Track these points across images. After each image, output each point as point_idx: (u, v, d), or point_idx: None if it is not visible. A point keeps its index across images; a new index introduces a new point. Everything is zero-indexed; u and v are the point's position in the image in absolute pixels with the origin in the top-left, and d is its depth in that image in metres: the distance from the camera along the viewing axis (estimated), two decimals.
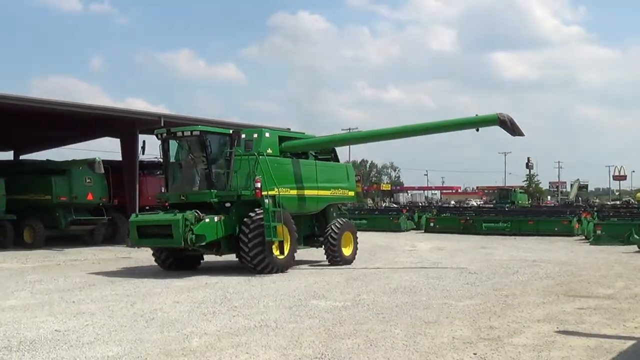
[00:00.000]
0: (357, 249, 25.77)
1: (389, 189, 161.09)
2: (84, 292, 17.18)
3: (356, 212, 60.56)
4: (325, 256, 24.55)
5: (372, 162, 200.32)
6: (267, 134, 23.23)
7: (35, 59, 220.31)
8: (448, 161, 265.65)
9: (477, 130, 22.83)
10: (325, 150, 26.66)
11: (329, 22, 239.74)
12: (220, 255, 22.58)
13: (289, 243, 22.01)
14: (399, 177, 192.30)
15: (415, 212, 56.91)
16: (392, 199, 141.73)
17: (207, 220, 20.84)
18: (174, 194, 22.58)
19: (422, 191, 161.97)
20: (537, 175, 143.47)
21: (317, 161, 25.56)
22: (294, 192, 23.37)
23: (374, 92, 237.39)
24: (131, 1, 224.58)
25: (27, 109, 32.39)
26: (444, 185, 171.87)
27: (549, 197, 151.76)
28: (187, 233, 20.32)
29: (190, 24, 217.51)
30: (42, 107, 32.71)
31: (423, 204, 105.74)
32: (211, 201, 21.70)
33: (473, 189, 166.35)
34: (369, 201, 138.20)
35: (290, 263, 22.26)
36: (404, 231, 49.66)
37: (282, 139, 24.03)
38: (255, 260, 20.93)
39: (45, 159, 39.96)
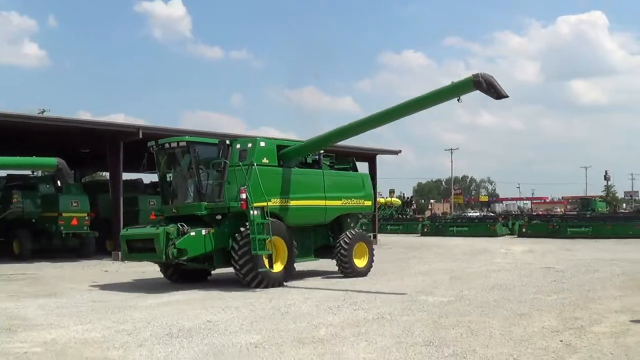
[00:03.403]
0: (373, 260, 21.50)
1: (487, 200, 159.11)
2: (231, 290, 17.30)
3: (458, 220, 60.43)
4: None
5: (471, 177, 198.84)
6: (262, 143, 19.26)
7: (187, 96, 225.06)
8: (537, 175, 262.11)
9: (459, 100, 16.50)
10: (344, 160, 22.91)
11: (429, 59, 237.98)
12: (214, 269, 19.57)
13: (285, 256, 18.60)
14: (494, 189, 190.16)
15: (509, 219, 56.36)
16: (489, 209, 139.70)
17: (192, 233, 17.67)
18: (168, 207, 19.37)
19: (515, 201, 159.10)
20: (614, 185, 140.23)
21: (325, 170, 21.17)
22: (294, 202, 19.35)
23: (470, 118, 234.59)
24: (265, 48, 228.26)
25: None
26: (533, 196, 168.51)
27: (624, 204, 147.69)
28: (169, 247, 17.34)
29: (314, 64, 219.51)
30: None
31: (516, 212, 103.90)
32: (200, 214, 18.52)
33: (559, 198, 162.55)
34: (469, 211, 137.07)
35: (286, 277, 18.61)
36: (500, 236, 49.04)
37: (281, 148, 19.78)
38: (247, 276, 17.68)
39: None
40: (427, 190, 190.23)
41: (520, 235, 48.16)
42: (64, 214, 29.90)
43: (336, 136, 19.55)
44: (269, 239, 17.73)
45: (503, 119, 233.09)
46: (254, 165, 18.33)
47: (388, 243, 42.02)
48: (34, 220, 30.52)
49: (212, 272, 20.19)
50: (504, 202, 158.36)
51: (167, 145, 18.95)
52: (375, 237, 43.05)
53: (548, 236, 44.97)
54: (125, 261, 19.67)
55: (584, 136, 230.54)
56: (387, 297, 15.68)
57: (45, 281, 20.65)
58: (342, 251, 20.33)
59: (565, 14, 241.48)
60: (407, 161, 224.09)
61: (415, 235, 54.99)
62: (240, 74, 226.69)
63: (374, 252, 21.67)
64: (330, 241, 21.21)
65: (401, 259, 28.45)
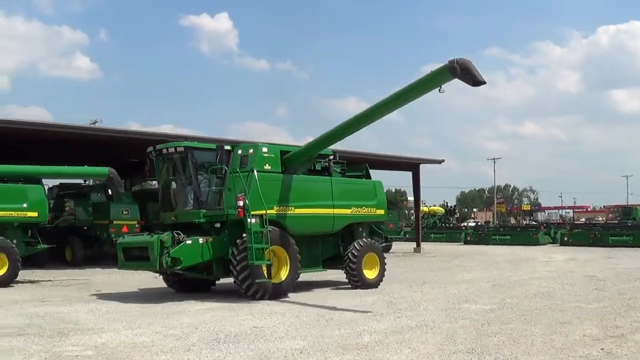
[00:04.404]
0: (384, 271, 20.08)
1: (529, 209, 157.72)
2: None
3: (501, 229, 60.03)
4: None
5: (514, 186, 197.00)
6: (264, 149, 17.87)
7: (235, 108, 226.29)
8: (579, 184, 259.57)
9: (440, 90, 14.59)
10: (357, 167, 21.37)
11: None
12: (214, 278, 18.48)
13: (287, 266, 17.47)
14: (537, 198, 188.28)
15: (551, 228, 55.95)
16: (531, 218, 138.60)
17: (188, 242, 16.64)
18: (167, 215, 18.34)
19: (557, 210, 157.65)
20: None
21: (333, 177, 19.61)
22: (298, 210, 18.01)
23: (511, 127, 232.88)
24: (307, 60, 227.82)
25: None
26: (575, 205, 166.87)
27: None
28: (163, 256, 16.35)
29: (354, 74, 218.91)
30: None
31: (558, 221, 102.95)
32: (198, 222, 17.48)
33: (600, 207, 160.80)
34: (512, 220, 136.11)
35: (286, 288, 17.42)
36: (542, 245, 48.67)
37: (285, 154, 18.36)
38: (244, 285, 16.63)
39: None
40: (469, 199, 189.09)
41: (562, 243, 47.76)
42: (114, 222, 30.33)
43: (327, 140, 17.79)
44: (268, 248, 16.65)
45: (544, 128, 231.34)
46: (253, 171, 17.18)
47: (431, 251, 41.93)
48: (85, 228, 31.02)
49: (218, 281, 19.44)
50: (546, 211, 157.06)
51: (165, 151, 18.02)
52: (418, 245, 43.18)
53: (589, 245, 44.69)
54: (121, 269, 18.90)
55: (625, 145, 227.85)
56: (430, 304, 15.57)
57: (96, 286, 20.91)
58: (350, 262, 19.13)
59: (605, 25, 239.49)
60: (449, 170, 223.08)
61: (458, 243, 54.79)
62: (285, 85, 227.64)
63: (385, 261, 20.34)
64: (341, 251, 19.75)
65: (444, 267, 28.34)
